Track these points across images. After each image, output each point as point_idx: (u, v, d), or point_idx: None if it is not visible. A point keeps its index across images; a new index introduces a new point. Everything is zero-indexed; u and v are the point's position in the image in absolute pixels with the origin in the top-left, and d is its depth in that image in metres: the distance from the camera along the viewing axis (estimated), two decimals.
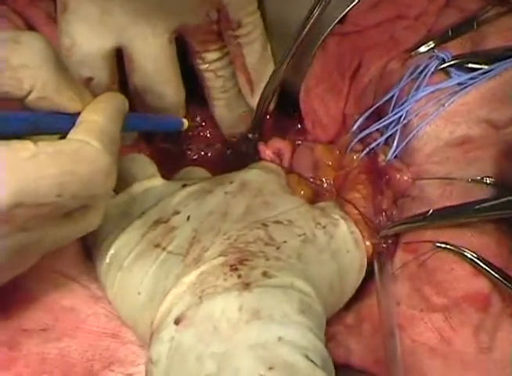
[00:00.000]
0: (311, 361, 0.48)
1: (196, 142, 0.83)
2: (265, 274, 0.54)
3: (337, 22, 0.69)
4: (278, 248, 0.58)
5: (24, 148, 0.47)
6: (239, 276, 0.53)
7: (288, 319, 0.51)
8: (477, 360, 0.60)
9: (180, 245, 0.59)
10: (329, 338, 0.61)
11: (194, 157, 0.83)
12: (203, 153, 0.83)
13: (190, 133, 0.83)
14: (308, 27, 0.68)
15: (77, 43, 0.68)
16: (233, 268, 0.54)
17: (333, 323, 0.65)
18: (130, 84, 0.73)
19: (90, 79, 0.68)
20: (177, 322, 0.52)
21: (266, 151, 0.77)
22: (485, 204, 0.61)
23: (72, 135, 0.52)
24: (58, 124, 0.53)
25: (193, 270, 0.55)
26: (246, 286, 0.52)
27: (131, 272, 0.59)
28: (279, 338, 0.49)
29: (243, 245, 0.57)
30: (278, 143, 0.78)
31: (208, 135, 0.83)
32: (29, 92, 0.51)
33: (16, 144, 0.47)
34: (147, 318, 0.57)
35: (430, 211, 0.63)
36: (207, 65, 0.76)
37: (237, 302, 0.51)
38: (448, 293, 0.62)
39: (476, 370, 0.59)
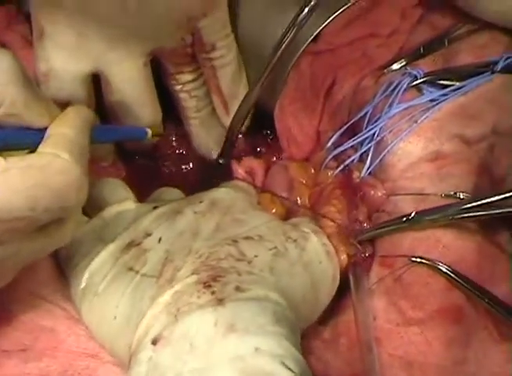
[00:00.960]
0: (289, 369, 0.48)
1: (172, 159, 0.84)
2: (237, 289, 0.54)
3: (310, 41, 0.70)
4: (249, 263, 0.59)
5: None
6: (213, 293, 0.54)
7: (263, 330, 0.51)
8: (452, 373, 0.60)
9: (153, 267, 0.59)
10: (307, 353, 0.62)
11: (170, 175, 0.83)
12: (179, 170, 0.83)
13: (169, 151, 0.83)
14: (281, 49, 0.68)
15: (54, 68, 0.68)
16: (206, 285, 0.54)
17: (310, 338, 0.65)
18: (107, 106, 0.74)
19: (67, 103, 0.67)
20: (154, 342, 0.52)
21: (239, 170, 0.77)
22: (463, 207, 0.61)
23: (42, 148, 0.52)
24: (27, 140, 0.54)
25: (167, 290, 0.55)
26: (220, 301, 0.53)
27: (107, 297, 0.59)
28: (256, 349, 0.49)
29: (215, 262, 0.57)
30: (251, 162, 0.78)
31: (184, 152, 0.84)
32: None
33: None
34: (124, 341, 0.57)
35: (413, 213, 0.64)
36: (181, 86, 0.77)
37: (212, 318, 0.51)
38: (423, 307, 0.62)
39: None
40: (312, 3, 0.66)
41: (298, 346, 0.53)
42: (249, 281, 0.56)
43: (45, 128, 0.55)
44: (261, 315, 0.52)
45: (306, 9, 0.65)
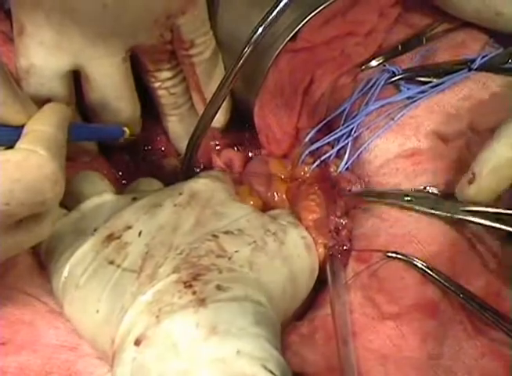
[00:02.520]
0: (270, 371, 0.49)
1: (151, 154, 0.84)
2: (218, 288, 0.55)
3: (289, 39, 0.70)
4: (230, 259, 0.59)
5: None
6: (194, 293, 0.54)
7: (245, 332, 0.52)
8: (427, 367, 0.61)
9: (134, 261, 0.59)
10: (284, 348, 0.62)
11: (150, 169, 0.83)
12: (157, 165, 0.84)
13: (149, 147, 0.84)
14: (250, 46, 0.69)
15: (35, 65, 0.68)
16: (187, 284, 0.55)
17: (288, 333, 0.65)
18: (87, 102, 0.74)
19: (48, 100, 0.68)
20: (137, 343, 0.52)
21: (217, 162, 0.78)
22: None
23: (18, 145, 0.52)
24: (3, 137, 0.54)
25: (148, 289, 0.56)
26: (202, 302, 0.53)
27: (88, 290, 0.59)
28: (238, 352, 0.50)
29: (196, 259, 0.58)
30: (229, 154, 0.79)
31: (163, 148, 0.84)
32: None
33: None
34: (106, 335, 0.57)
35: None
36: (159, 83, 0.77)
37: (194, 319, 0.52)
38: (398, 301, 0.63)
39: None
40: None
41: (279, 347, 0.54)
42: (230, 279, 0.57)
43: (22, 126, 0.55)
44: (242, 316, 0.53)
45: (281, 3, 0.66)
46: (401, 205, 0.66)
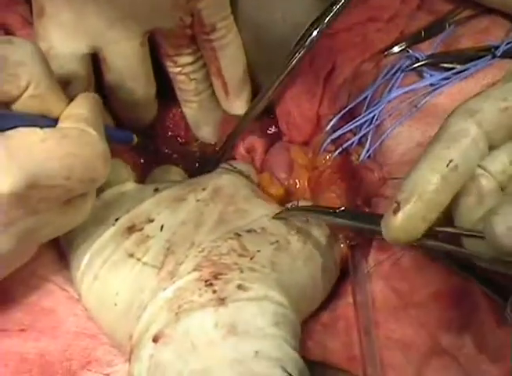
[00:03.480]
0: (288, 373, 0.49)
1: (171, 140, 0.84)
2: (239, 287, 0.55)
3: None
4: (252, 259, 0.59)
5: (33, 133, 0.51)
6: (214, 292, 0.54)
7: (263, 333, 0.52)
8: (449, 356, 0.60)
9: (155, 256, 0.59)
10: (306, 337, 0.62)
11: (169, 155, 0.84)
12: (177, 151, 0.84)
13: (168, 133, 0.84)
14: (303, 49, 0.70)
15: (54, 47, 0.69)
16: (208, 283, 0.55)
17: (309, 323, 0.65)
18: (105, 82, 0.74)
19: (68, 82, 0.69)
20: (155, 340, 0.53)
21: (240, 148, 0.78)
22: None
23: (66, 125, 0.55)
24: (43, 126, 0.54)
25: (169, 285, 0.56)
26: (222, 301, 0.53)
27: (107, 282, 0.60)
28: (256, 353, 0.50)
29: (217, 258, 0.58)
30: (252, 140, 0.79)
31: (183, 133, 0.85)
32: (24, 90, 0.54)
33: (25, 130, 0.51)
34: (124, 329, 0.58)
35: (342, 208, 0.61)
36: (179, 68, 0.77)
37: (213, 319, 0.52)
38: (421, 290, 0.63)
39: (449, 366, 0.60)
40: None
41: (297, 347, 0.54)
42: (251, 279, 0.56)
43: (57, 119, 0.56)
44: (261, 316, 0.53)
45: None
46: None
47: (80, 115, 0.56)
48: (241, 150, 0.78)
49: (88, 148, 0.53)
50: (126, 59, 0.72)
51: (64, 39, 0.69)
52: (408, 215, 0.47)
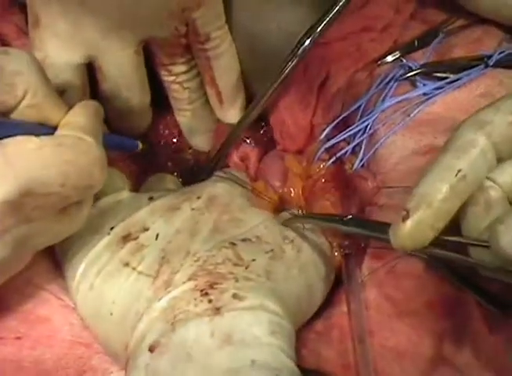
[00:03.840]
0: None
1: (164, 148, 0.85)
2: (235, 296, 0.55)
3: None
4: (247, 268, 0.59)
5: (29, 141, 0.51)
6: (210, 301, 0.54)
7: (259, 342, 0.52)
8: (444, 365, 0.61)
9: (150, 266, 0.59)
10: (300, 345, 0.62)
11: (163, 163, 0.84)
12: (171, 159, 0.84)
13: (162, 141, 0.84)
14: (296, 58, 0.71)
15: (50, 56, 0.69)
16: (203, 293, 0.55)
17: (304, 331, 0.65)
18: (100, 91, 0.75)
19: (63, 91, 0.69)
20: (151, 349, 0.53)
21: (233, 157, 0.78)
22: None
23: (62, 132, 0.55)
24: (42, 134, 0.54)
25: (164, 295, 0.56)
26: (217, 311, 0.54)
27: (102, 291, 0.60)
28: (252, 362, 0.50)
29: (213, 267, 0.58)
30: (245, 148, 0.79)
31: (175, 140, 0.85)
32: (21, 100, 0.54)
33: (21, 138, 0.51)
34: (120, 338, 0.58)
35: (349, 216, 0.60)
36: (173, 77, 0.77)
37: (209, 328, 0.52)
38: (415, 298, 0.63)
39: (442, 374, 0.60)
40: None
41: (293, 356, 0.54)
42: (246, 288, 0.56)
43: (56, 127, 0.56)
44: (257, 326, 0.53)
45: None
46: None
47: (77, 123, 0.56)
48: (235, 158, 0.79)
49: (83, 155, 0.53)
50: (121, 68, 0.72)
51: (59, 49, 0.69)
52: (417, 222, 0.48)
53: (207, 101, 0.80)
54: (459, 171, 0.48)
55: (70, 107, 0.59)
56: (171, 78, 0.77)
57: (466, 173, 0.48)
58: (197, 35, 0.72)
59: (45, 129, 0.55)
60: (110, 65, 0.71)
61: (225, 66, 0.76)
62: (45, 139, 0.52)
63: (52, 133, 0.55)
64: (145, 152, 0.75)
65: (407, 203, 0.49)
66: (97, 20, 0.67)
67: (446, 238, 0.50)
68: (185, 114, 0.81)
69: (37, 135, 0.53)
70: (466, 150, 0.49)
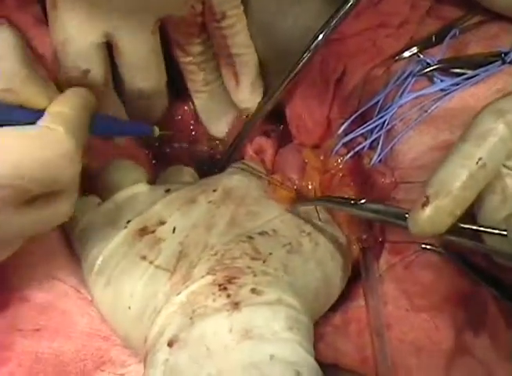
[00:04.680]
0: None
1: (182, 140, 0.85)
2: (253, 291, 0.55)
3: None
4: (264, 262, 0.59)
5: None
6: (228, 296, 0.54)
7: (278, 337, 0.52)
8: (461, 359, 0.61)
9: (167, 260, 0.59)
10: (317, 339, 0.62)
11: (180, 154, 0.84)
12: (188, 150, 0.85)
13: (179, 133, 0.84)
14: (309, 52, 0.71)
15: (69, 37, 0.69)
16: (222, 287, 0.55)
17: (321, 325, 0.65)
18: (117, 72, 0.75)
19: (87, 71, 0.69)
20: (170, 344, 0.53)
21: (249, 150, 0.79)
22: None
23: (38, 124, 0.52)
24: (23, 118, 0.53)
25: (182, 289, 0.56)
26: (236, 305, 0.53)
27: (120, 285, 0.60)
28: (271, 357, 0.50)
29: (230, 261, 0.58)
30: (261, 141, 0.79)
31: (194, 133, 0.85)
32: None
33: None
34: (139, 332, 0.58)
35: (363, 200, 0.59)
36: (190, 58, 0.77)
37: (227, 323, 0.52)
38: (433, 293, 0.63)
39: (460, 368, 0.61)
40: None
41: (312, 351, 0.54)
42: (264, 283, 0.56)
43: (42, 110, 0.55)
44: (275, 321, 0.53)
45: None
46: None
47: (57, 113, 0.54)
48: (249, 151, 0.79)
49: (49, 147, 0.51)
50: (138, 47, 0.72)
51: (78, 29, 0.69)
52: (436, 208, 0.48)
53: (224, 86, 0.80)
54: (479, 159, 0.48)
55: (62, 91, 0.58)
56: (188, 59, 0.77)
57: (486, 161, 0.48)
58: (213, 14, 0.72)
59: (26, 113, 0.54)
60: (127, 44, 0.71)
61: (242, 44, 0.75)
62: (5, 129, 0.50)
63: (33, 117, 0.53)
64: (162, 138, 0.75)
65: (426, 189, 0.50)
66: (113, 0, 0.67)
67: (464, 226, 0.50)
68: (202, 96, 0.81)
69: (15, 119, 0.52)
70: (486, 138, 0.49)
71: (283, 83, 0.74)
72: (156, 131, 0.71)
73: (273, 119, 0.82)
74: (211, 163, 0.83)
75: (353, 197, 0.62)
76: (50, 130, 0.51)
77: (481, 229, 0.50)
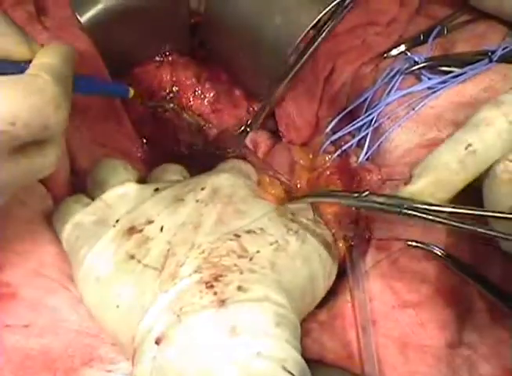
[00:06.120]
0: (290, 372, 0.50)
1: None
2: (239, 288, 0.55)
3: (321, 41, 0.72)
4: (251, 259, 0.59)
5: None
6: (215, 293, 0.55)
7: (265, 333, 0.52)
8: (446, 355, 0.61)
9: (155, 259, 0.60)
10: (304, 335, 0.62)
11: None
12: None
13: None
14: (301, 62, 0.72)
15: None
16: (209, 285, 0.55)
17: (307, 321, 0.66)
18: None
19: None
20: (158, 341, 0.53)
21: (246, 140, 0.79)
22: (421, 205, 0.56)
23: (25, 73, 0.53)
24: (9, 70, 0.53)
25: (170, 288, 0.56)
26: (222, 303, 0.54)
27: (109, 284, 0.60)
28: (258, 353, 0.50)
29: (217, 259, 0.58)
30: (256, 136, 0.80)
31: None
32: None
33: None
34: (127, 331, 0.58)
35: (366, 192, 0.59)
36: None
37: (214, 320, 0.53)
38: (418, 289, 0.64)
39: (445, 364, 0.61)
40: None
41: (299, 347, 0.54)
42: (251, 280, 0.57)
43: (26, 62, 0.55)
44: (262, 317, 0.53)
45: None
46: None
47: (42, 64, 0.54)
48: (247, 141, 0.79)
49: (37, 94, 0.51)
50: None
51: None
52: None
53: None
54: (469, 144, 0.49)
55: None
56: None
57: (477, 148, 0.49)
58: None
59: (13, 65, 0.54)
60: None
61: None
62: None
63: (18, 68, 0.54)
64: (135, 100, 0.76)
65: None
66: None
67: (471, 212, 0.51)
68: None
69: (1, 73, 0.52)
70: (478, 126, 0.50)
71: (279, 86, 0.74)
72: (131, 92, 0.72)
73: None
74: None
75: (354, 190, 0.63)
76: (37, 77, 0.52)
77: (489, 213, 0.50)
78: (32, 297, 0.62)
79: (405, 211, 0.53)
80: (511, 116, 0.50)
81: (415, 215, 0.53)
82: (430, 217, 0.53)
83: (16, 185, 0.56)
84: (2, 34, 0.54)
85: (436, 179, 0.49)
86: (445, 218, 0.52)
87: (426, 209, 0.52)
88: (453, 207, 0.51)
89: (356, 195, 0.59)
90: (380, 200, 0.57)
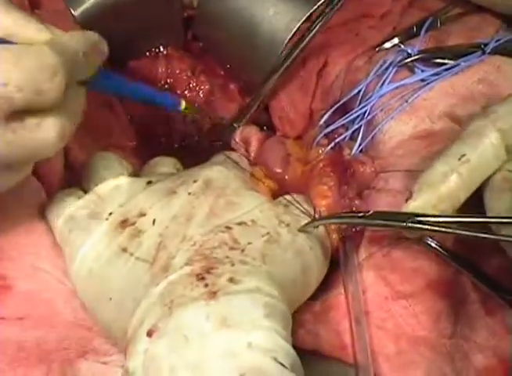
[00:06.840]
0: (281, 363, 0.50)
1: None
2: (231, 280, 0.55)
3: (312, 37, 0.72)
4: (243, 251, 0.59)
5: None
6: (206, 285, 0.54)
7: (255, 325, 0.52)
8: (439, 346, 0.61)
9: (147, 251, 0.60)
10: (298, 326, 0.63)
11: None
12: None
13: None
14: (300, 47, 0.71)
15: None
16: (200, 277, 0.55)
17: (301, 312, 0.66)
18: None
19: None
20: (149, 334, 0.53)
21: (236, 137, 0.79)
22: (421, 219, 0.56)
23: None
24: None
25: (162, 280, 0.56)
26: (213, 294, 0.54)
27: (101, 277, 0.60)
28: (249, 344, 0.50)
29: (209, 251, 0.58)
30: (247, 132, 0.79)
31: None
32: None
33: None
34: (120, 324, 0.58)
35: (371, 211, 0.60)
36: None
37: (205, 312, 0.52)
38: (412, 281, 0.64)
39: (439, 355, 0.61)
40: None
41: (289, 338, 0.54)
42: (242, 271, 0.57)
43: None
44: (253, 308, 0.53)
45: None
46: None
47: (46, 41, 0.55)
48: (237, 138, 0.79)
49: (30, 57, 0.51)
50: None
51: None
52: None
53: None
54: (462, 155, 0.50)
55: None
56: None
57: (471, 158, 0.50)
58: None
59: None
60: None
61: None
62: None
63: None
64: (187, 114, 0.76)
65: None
66: None
67: (474, 220, 0.51)
68: None
69: None
70: (470, 137, 0.51)
71: (271, 79, 0.75)
72: (183, 104, 0.72)
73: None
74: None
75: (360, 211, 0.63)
76: (34, 45, 0.52)
77: (494, 220, 0.51)
78: (27, 289, 0.62)
79: (411, 224, 0.54)
80: (500, 123, 0.51)
81: (420, 228, 0.54)
82: (436, 228, 0.53)
83: (14, 154, 0.55)
84: (17, 24, 0.55)
85: (436, 192, 0.50)
86: (449, 227, 0.53)
87: (430, 221, 0.53)
88: (458, 217, 0.52)
89: (361, 215, 0.60)
90: (385, 217, 0.58)
